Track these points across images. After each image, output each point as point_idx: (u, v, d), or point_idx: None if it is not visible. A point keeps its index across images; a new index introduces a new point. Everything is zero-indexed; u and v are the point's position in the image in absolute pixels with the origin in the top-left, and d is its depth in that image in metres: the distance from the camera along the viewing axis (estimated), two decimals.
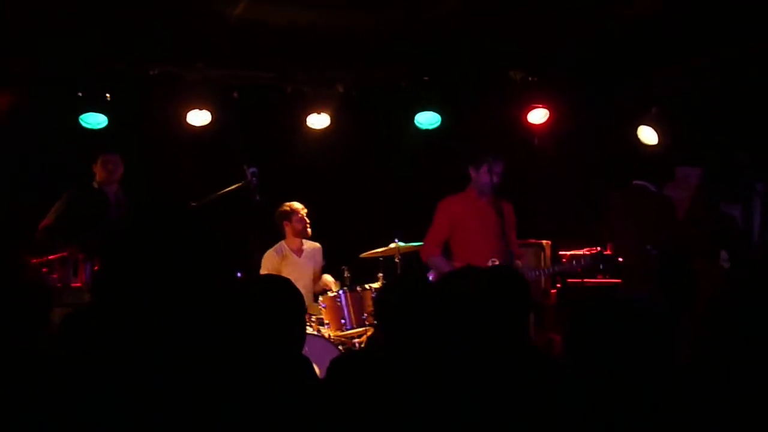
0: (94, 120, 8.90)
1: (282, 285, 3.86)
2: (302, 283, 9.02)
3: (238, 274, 7.26)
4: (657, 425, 3.16)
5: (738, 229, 7.80)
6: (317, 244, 9.44)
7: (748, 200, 7.87)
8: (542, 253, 9.65)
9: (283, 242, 9.29)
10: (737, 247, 7.77)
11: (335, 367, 4.16)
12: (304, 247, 9.36)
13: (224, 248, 2.84)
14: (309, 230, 9.22)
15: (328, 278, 9.22)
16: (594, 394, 3.29)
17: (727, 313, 3.50)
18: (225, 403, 2.71)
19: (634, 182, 8.29)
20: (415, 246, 8.74)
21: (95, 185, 8.26)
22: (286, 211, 9.20)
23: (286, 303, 3.77)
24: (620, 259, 8.66)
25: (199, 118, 9.28)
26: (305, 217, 9.18)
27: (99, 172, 8.26)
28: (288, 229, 9.25)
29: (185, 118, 9.24)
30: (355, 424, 3.34)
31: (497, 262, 7.61)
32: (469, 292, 4.33)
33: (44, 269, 7.64)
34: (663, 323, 3.38)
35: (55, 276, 7.65)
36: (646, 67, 9.12)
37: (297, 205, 9.19)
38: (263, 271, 9.12)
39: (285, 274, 9.01)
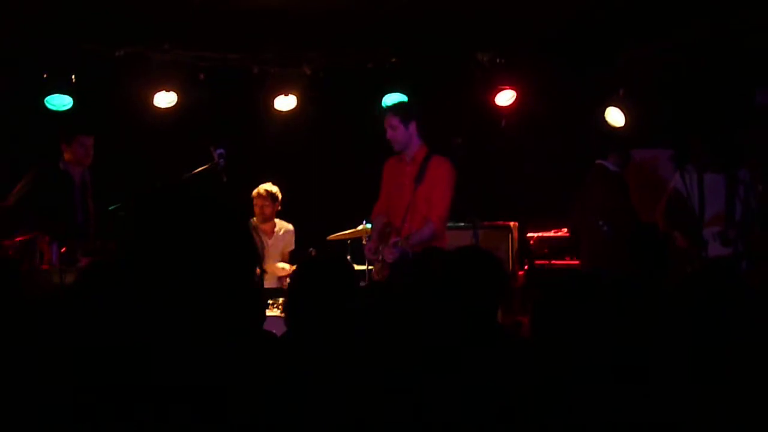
0: (60, 102, 8.82)
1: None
2: (269, 264, 9.01)
3: None
4: (628, 402, 3.17)
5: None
6: (290, 227, 9.44)
7: (732, 184, 7.94)
8: (510, 235, 9.66)
9: (253, 220, 9.31)
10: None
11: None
12: (276, 228, 9.36)
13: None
14: (264, 220, 9.19)
15: (280, 266, 9.14)
16: (563, 375, 3.30)
17: (692, 293, 3.52)
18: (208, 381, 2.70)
19: (596, 162, 8.47)
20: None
21: (61, 166, 8.15)
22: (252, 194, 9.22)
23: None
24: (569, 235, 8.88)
25: (165, 99, 9.24)
26: (259, 206, 9.15)
27: (73, 152, 8.12)
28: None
29: (152, 99, 9.19)
30: (320, 404, 3.34)
31: (389, 230, 7.60)
32: (433, 274, 4.33)
33: (9, 252, 7.55)
34: (629, 299, 3.40)
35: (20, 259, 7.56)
36: (613, 49, 9.15)
37: (257, 191, 9.16)
38: None
39: None
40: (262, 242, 2.90)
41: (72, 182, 8.14)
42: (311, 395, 3.20)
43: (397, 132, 7.57)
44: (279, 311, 8.38)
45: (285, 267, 9.05)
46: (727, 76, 8.70)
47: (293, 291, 4.22)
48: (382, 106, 9.51)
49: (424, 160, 7.57)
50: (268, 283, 8.75)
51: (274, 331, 3.95)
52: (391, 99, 9.55)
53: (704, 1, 7.81)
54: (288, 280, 8.58)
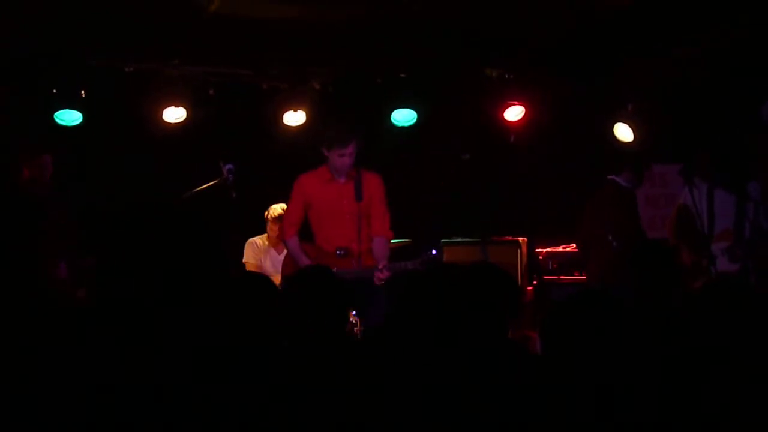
0: (69, 117, 8.83)
1: (261, 282, 3.91)
2: (279, 277, 9.02)
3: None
4: (637, 417, 3.17)
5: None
6: None
7: (741, 199, 7.93)
8: (518, 250, 9.66)
9: (265, 236, 9.32)
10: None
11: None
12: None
13: (217, 247, 2.87)
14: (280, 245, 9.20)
15: None
16: (571, 389, 3.29)
17: (703, 306, 3.51)
18: (216, 394, 2.71)
19: (608, 177, 8.46)
20: (394, 244, 8.74)
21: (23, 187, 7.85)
22: (267, 215, 9.21)
23: (268, 299, 3.80)
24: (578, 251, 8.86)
25: (175, 115, 9.22)
26: (278, 231, 9.12)
27: (34, 171, 7.81)
28: (267, 229, 9.28)
29: (161, 115, 9.18)
30: (333, 414, 3.35)
31: (342, 252, 7.36)
32: (446, 290, 4.33)
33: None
34: (636, 314, 3.39)
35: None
36: (622, 62, 9.12)
37: (277, 213, 9.11)
38: (245, 257, 9.25)
39: (265, 266, 9.04)
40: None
41: (36, 201, 7.85)
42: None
43: (353, 158, 7.44)
44: None
45: None
46: (735, 88, 8.68)
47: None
48: (390, 121, 9.52)
49: (358, 176, 7.49)
50: None
51: None
52: (400, 114, 9.53)
53: (713, 10, 7.79)
54: None
